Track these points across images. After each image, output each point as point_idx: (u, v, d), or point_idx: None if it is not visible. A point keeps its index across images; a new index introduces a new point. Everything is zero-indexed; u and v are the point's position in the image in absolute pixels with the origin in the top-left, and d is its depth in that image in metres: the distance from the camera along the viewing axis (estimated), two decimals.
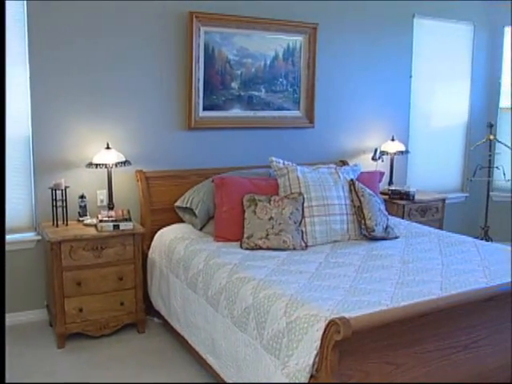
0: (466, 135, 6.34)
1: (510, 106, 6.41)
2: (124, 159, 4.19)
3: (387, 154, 5.44)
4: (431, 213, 5.34)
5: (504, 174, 6.06)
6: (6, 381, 3.25)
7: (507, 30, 6.31)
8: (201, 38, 4.50)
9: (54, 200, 4.02)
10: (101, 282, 3.92)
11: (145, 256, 4.25)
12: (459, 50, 6.18)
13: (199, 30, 4.47)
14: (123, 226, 3.96)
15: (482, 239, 5.88)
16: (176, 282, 3.79)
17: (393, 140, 5.48)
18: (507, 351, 2.91)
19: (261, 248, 3.73)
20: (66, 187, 4.05)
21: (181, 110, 4.54)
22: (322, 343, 2.37)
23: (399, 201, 5.18)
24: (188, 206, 4.18)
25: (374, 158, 5.33)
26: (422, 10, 5.74)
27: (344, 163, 5.17)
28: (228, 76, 4.68)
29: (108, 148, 4.16)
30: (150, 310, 4.26)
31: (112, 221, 3.96)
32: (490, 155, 6.11)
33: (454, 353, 2.72)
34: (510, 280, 2.97)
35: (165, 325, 4.11)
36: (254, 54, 4.77)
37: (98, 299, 3.93)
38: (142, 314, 4.11)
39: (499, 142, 6.08)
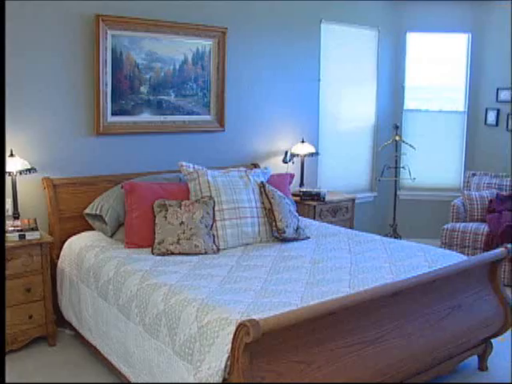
0: (373, 136, 6.56)
1: (414, 108, 6.70)
2: (29, 166, 4.04)
3: (297, 156, 5.53)
4: (342, 213, 5.48)
5: (410, 173, 6.32)
6: None
7: (409, 35, 6.58)
8: (108, 42, 4.41)
9: None
10: (7, 295, 3.76)
11: (54, 266, 4.12)
12: (365, 54, 6.38)
13: (106, 33, 4.38)
14: (29, 235, 3.82)
15: (391, 236, 6.09)
16: (87, 291, 3.71)
17: (303, 142, 5.58)
18: (413, 343, 3.03)
19: (172, 253, 3.70)
20: None
21: (88, 115, 4.43)
22: (232, 346, 2.38)
23: (310, 202, 5.29)
24: (97, 212, 4.09)
25: (284, 161, 5.41)
26: (328, 16, 5.88)
27: (255, 166, 5.22)
28: (137, 80, 4.61)
29: (12, 155, 4.00)
30: (61, 321, 4.13)
31: (18, 231, 3.82)
32: (397, 155, 6.35)
33: (363, 347, 2.80)
34: (414, 275, 3.09)
35: (77, 336, 4.00)
36: (163, 58, 4.72)
37: None
38: (53, 326, 3.98)
39: (404, 142, 6.33)
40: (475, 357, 3.69)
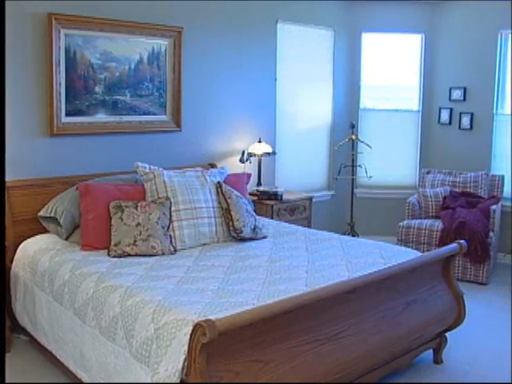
0: (330, 135, 6.62)
1: (370, 107, 6.79)
2: None
3: (255, 155, 5.54)
4: (299, 211, 5.51)
5: (366, 172, 6.40)
6: None
7: (364, 35, 6.66)
8: (61, 41, 4.34)
9: None
10: None
11: (7, 270, 4.03)
12: (321, 54, 6.43)
13: (59, 32, 4.31)
14: None
15: (348, 234, 6.17)
16: (41, 295, 3.64)
17: (260, 142, 5.59)
18: (369, 339, 3.07)
19: (129, 255, 3.67)
20: None
21: (42, 115, 4.35)
22: (189, 347, 2.37)
23: (268, 201, 5.30)
24: (52, 215, 4.02)
25: (241, 160, 5.42)
26: (284, 16, 5.91)
27: (212, 166, 5.20)
28: (91, 80, 4.55)
29: None
30: (16, 327, 4.04)
31: None
32: (353, 154, 6.42)
33: (320, 345, 2.83)
34: (369, 272, 3.14)
35: (32, 342, 3.91)
36: (118, 58, 4.67)
37: None
38: (7, 333, 3.89)
39: (361, 141, 6.40)
40: (430, 350, 3.76)
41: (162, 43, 4.91)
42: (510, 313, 4.62)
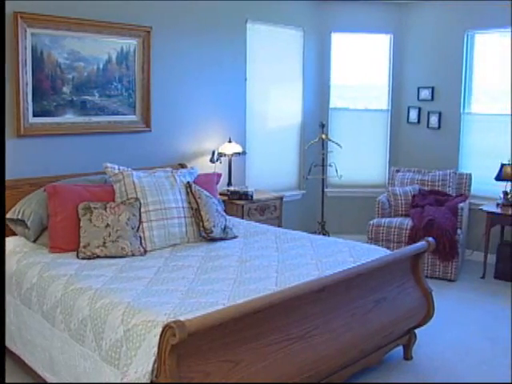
0: (300, 135, 6.64)
1: (341, 107, 6.84)
2: None
3: (225, 155, 5.52)
4: (270, 211, 5.51)
5: (336, 171, 6.44)
6: None
7: (334, 35, 6.70)
8: (28, 40, 4.27)
9: None
10: None
11: None
12: (291, 54, 6.46)
13: (25, 31, 4.25)
14: None
15: (319, 233, 6.20)
16: (9, 298, 3.58)
17: (230, 142, 5.58)
18: (339, 337, 3.09)
19: (98, 256, 3.63)
20: None
21: (8, 116, 4.27)
22: (159, 348, 2.36)
23: (238, 201, 5.29)
24: (19, 217, 3.96)
25: (211, 160, 5.40)
26: (254, 16, 5.92)
27: (182, 166, 5.18)
28: (59, 80, 4.49)
29: None
30: None
31: None
32: (323, 153, 6.45)
33: (290, 344, 2.84)
34: (339, 270, 3.16)
35: None
36: (86, 58, 4.62)
37: None
38: None
39: (331, 140, 6.44)
40: (401, 347, 3.80)
41: (130, 43, 4.88)
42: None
